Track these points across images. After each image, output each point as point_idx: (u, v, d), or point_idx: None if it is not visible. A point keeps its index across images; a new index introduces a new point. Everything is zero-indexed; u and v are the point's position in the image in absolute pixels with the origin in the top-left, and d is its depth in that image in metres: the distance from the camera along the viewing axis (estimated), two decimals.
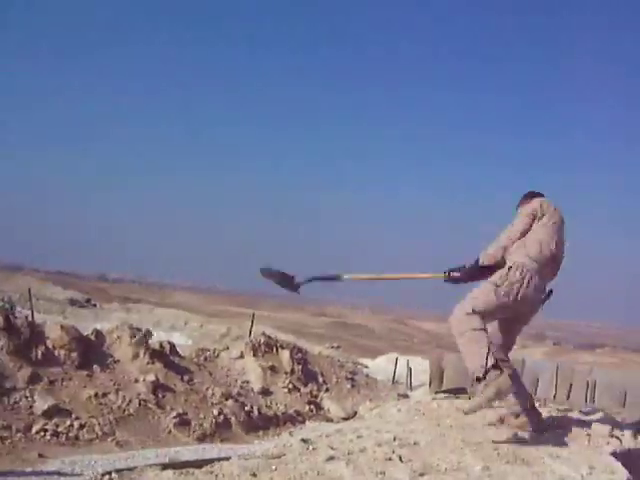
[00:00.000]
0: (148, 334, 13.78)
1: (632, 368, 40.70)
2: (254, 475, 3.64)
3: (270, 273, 4.74)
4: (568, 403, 10.76)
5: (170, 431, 11.42)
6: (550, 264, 4.41)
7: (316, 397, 15.46)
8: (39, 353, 11.68)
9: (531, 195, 4.66)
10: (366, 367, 23.35)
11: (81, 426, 10.44)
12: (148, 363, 12.96)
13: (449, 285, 4.54)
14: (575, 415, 5.37)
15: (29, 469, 8.73)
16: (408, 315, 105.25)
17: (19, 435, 9.72)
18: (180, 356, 14.46)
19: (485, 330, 4.16)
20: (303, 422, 13.89)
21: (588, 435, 4.57)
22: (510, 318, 4.47)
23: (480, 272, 4.44)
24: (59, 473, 8.64)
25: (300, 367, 16.11)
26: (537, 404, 5.13)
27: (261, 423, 13.10)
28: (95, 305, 37.72)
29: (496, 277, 4.28)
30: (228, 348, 16.25)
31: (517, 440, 4.31)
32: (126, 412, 11.32)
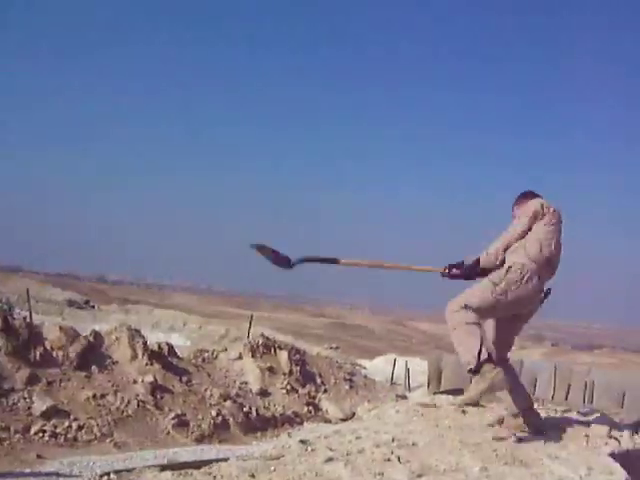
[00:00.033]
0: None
1: (631, 369, 40.75)
2: (252, 476, 3.64)
3: (263, 249, 4.58)
4: (566, 404, 10.76)
5: (168, 432, 11.42)
6: (549, 265, 4.43)
7: (314, 398, 15.47)
8: (37, 354, 11.67)
9: (528, 195, 4.67)
10: (364, 368, 23.36)
11: (79, 427, 10.44)
12: (146, 364, 12.97)
13: (446, 280, 4.56)
14: (573, 416, 5.37)
15: (28, 470, 8.74)
16: (407, 316, 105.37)
17: (17, 436, 9.72)
18: (178, 357, 14.46)
19: (479, 325, 4.21)
20: (301, 423, 13.90)
21: (586, 436, 4.57)
22: (508, 317, 4.48)
23: (479, 272, 4.47)
24: (58, 474, 8.65)
25: (298, 368, 16.12)
26: (535, 405, 5.13)
27: (259, 424, 13.10)
28: (94, 306, 37.66)
29: (495, 276, 4.32)
30: (226, 349, 16.27)
31: (515, 441, 4.31)
32: (124, 413, 11.32)
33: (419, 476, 3.65)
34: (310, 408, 14.83)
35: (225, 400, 13.04)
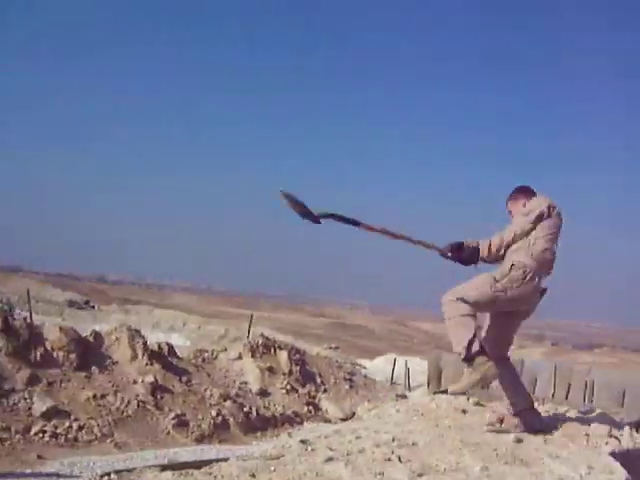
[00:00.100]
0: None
1: (631, 368, 40.74)
2: (253, 476, 3.64)
3: (292, 199, 4.37)
4: (567, 403, 10.74)
5: (169, 432, 11.43)
6: (548, 265, 4.46)
7: (314, 398, 15.47)
8: (38, 355, 11.68)
9: (522, 189, 4.67)
10: (364, 368, 23.35)
11: (80, 427, 10.45)
12: (147, 364, 12.97)
13: (442, 260, 4.57)
14: (574, 415, 5.36)
15: (28, 470, 8.75)
16: (408, 316, 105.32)
17: (18, 436, 9.72)
18: (178, 357, 14.46)
19: (474, 317, 4.25)
20: (301, 423, 13.89)
21: (587, 435, 4.57)
22: (507, 313, 4.49)
23: (477, 259, 4.51)
24: (58, 474, 8.66)
25: (298, 368, 16.11)
26: (536, 404, 5.13)
27: (259, 424, 13.10)
28: (94, 307, 37.66)
29: (498, 272, 4.34)
30: (226, 349, 16.27)
31: (516, 440, 4.31)
32: (125, 413, 11.33)
33: (419, 476, 3.65)
34: (310, 408, 14.83)
35: (225, 400, 13.04)
